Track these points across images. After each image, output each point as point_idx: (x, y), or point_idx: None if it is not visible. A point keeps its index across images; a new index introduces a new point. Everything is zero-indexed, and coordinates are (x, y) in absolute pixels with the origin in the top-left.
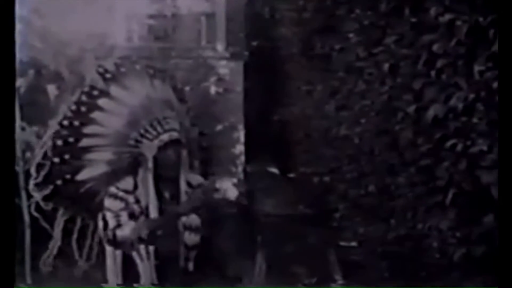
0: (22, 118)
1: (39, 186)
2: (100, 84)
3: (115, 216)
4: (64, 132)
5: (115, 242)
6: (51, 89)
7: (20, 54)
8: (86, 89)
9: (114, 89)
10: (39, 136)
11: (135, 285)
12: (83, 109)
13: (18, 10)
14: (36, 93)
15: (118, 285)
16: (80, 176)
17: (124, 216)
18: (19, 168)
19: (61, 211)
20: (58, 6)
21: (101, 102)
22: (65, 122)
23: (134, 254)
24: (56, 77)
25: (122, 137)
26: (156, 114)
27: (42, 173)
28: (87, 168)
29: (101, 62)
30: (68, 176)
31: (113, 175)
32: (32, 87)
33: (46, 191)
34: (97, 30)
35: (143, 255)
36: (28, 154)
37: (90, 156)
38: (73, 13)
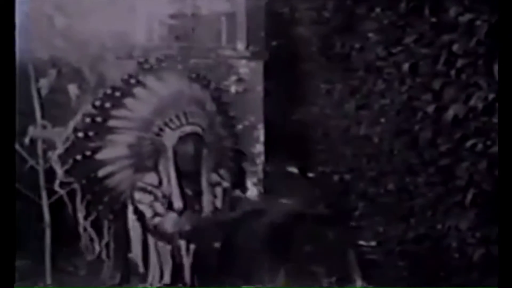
0: (43, 117)
1: (61, 158)
2: (140, 75)
3: (150, 206)
4: (94, 112)
5: (156, 233)
6: (72, 89)
7: (41, 53)
8: (125, 76)
9: (150, 79)
10: (60, 135)
11: (140, 285)
12: (117, 94)
13: (42, 9)
14: (58, 93)
15: (165, 285)
16: (100, 156)
17: (158, 207)
18: (39, 167)
19: (79, 195)
20: (81, 5)
21: (136, 90)
22: (97, 103)
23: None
24: (77, 76)
25: (146, 123)
26: (184, 107)
27: (65, 146)
28: (107, 148)
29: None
30: (88, 153)
31: (134, 166)
32: (53, 86)
33: (66, 166)
34: (118, 29)
35: (182, 251)
36: (49, 153)
37: (112, 137)
38: (94, 12)
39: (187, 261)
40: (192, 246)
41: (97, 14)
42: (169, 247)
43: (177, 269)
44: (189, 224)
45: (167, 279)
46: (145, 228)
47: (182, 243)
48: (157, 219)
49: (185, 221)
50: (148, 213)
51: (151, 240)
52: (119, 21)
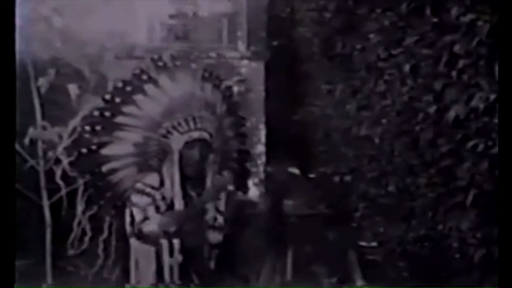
0: (43, 118)
1: (66, 150)
2: (152, 71)
3: (142, 210)
4: (104, 105)
5: (141, 236)
6: (72, 89)
7: (41, 54)
8: (137, 71)
9: (162, 77)
10: (60, 136)
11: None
12: (128, 88)
13: (40, 9)
14: (57, 93)
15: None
16: (105, 151)
17: (151, 210)
18: (40, 167)
19: (81, 189)
20: (79, 5)
21: (147, 87)
22: (108, 97)
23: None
24: (77, 77)
25: (154, 124)
26: (194, 112)
27: (72, 138)
28: (113, 144)
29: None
30: (93, 147)
31: (138, 164)
32: (53, 86)
33: (71, 158)
34: (118, 29)
35: (167, 250)
36: (50, 154)
37: (119, 134)
38: (93, 12)
39: (174, 261)
40: (178, 245)
41: (97, 14)
42: (153, 249)
43: (161, 269)
44: (174, 224)
45: (152, 279)
46: (131, 232)
47: (165, 242)
48: (145, 224)
49: (168, 220)
50: (138, 217)
51: (135, 242)
52: (119, 21)
